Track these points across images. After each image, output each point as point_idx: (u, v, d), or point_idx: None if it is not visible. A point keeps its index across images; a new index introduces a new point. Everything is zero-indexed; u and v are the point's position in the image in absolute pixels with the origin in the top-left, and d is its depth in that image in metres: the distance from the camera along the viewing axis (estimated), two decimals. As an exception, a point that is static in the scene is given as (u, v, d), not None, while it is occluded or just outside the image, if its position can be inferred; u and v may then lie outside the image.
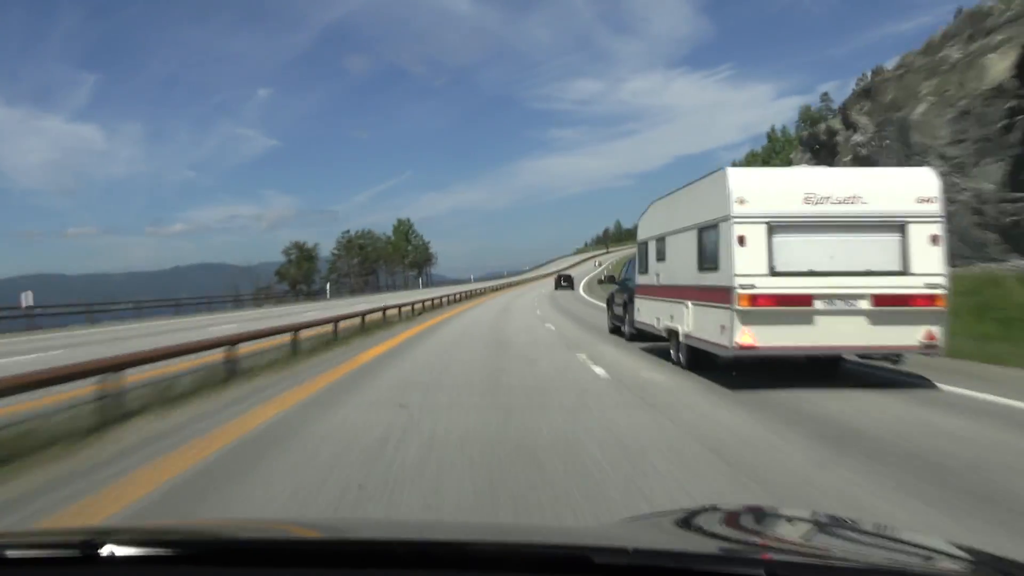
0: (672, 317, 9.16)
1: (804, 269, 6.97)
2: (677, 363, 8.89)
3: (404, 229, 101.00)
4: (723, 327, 7.21)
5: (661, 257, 9.85)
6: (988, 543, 1.55)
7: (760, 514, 2.02)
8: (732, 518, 1.85)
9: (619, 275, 16.30)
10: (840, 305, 6.94)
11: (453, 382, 8.10)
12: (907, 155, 19.06)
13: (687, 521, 1.57)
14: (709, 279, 7.71)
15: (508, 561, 1.15)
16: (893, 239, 7.04)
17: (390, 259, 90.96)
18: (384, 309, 19.69)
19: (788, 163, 39.56)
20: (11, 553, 1.20)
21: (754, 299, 6.91)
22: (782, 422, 5.66)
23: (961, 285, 11.33)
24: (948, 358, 7.81)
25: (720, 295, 7.26)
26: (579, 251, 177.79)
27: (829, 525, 1.77)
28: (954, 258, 9.55)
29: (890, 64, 24.41)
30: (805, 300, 6.90)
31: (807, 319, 6.96)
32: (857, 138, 23.55)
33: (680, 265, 8.85)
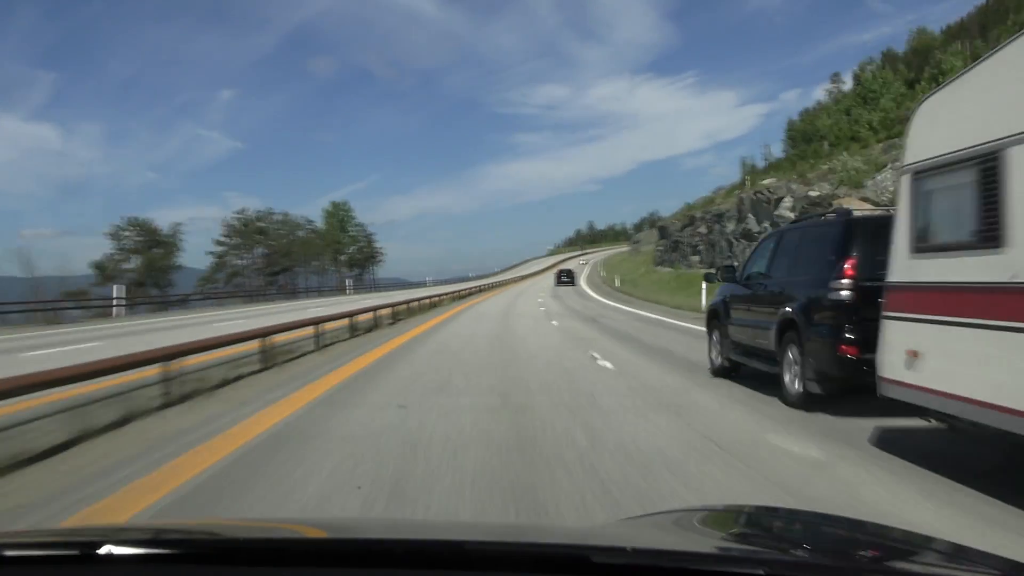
0: None
1: None
2: None
3: (339, 215, 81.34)
4: None
5: None
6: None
7: (760, 514, 2.03)
8: (732, 518, 1.91)
9: (743, 267, 9.09)
10: None
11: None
12: None
13: (687, 520, 1.60)
14: None
15: (507, 561, 1.15)
16: None
17: (317, 253, 74.38)
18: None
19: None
20: (11, 553, 1.21)
21: None
22: None
23: None
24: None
25: None
26: (552, 252, 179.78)
27: (829, 525, 1.81)
28: None
29: None
30: None
31: None
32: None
33: None
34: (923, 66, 33.05)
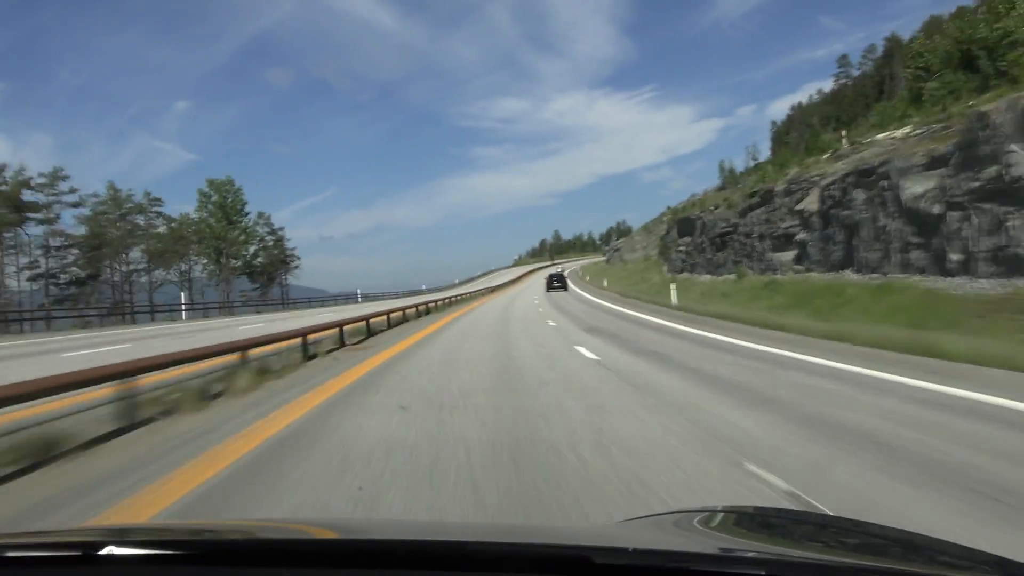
0: None
1: None
2: None
3: (221, 196, 53.59)
4: None
5: None
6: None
7: (761, 514, 2.09)
8: (732, 518, 1.91)
9: None
10: None
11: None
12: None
13: (687, 521, 1.62)
14: None
15: (509, 561, 1.18)
16: None
17: (175, 250, 51.16)
18: None
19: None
20: (11, 553, 1.25)
21: None
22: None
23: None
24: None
25: None
26: (518, 262, 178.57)
27: (830, 525, 1.88)
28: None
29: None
30: None
31: None
32: None
33: None
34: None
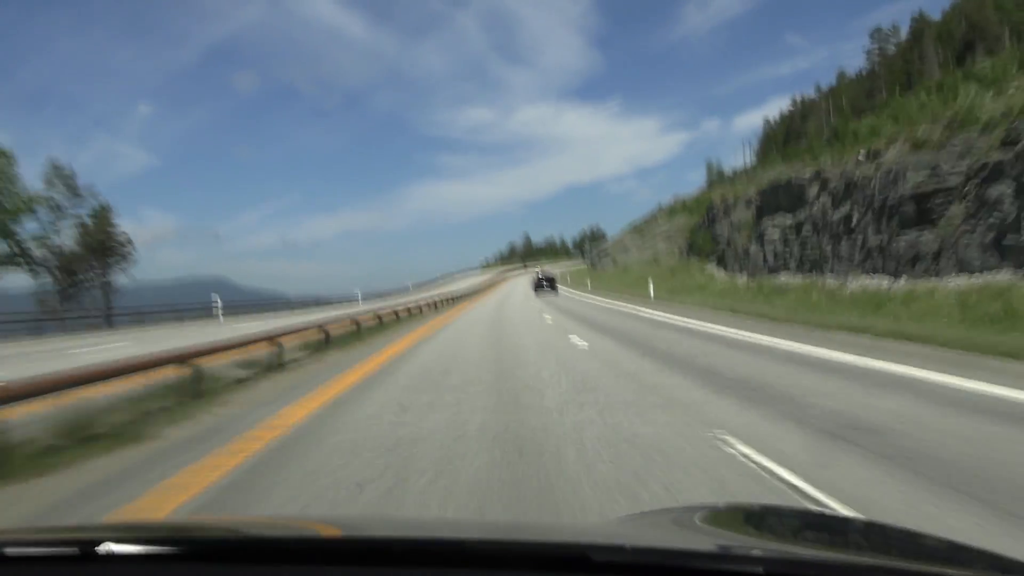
0: None
1: None
2: None
3: None
4: None
5: None
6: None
7: (759, 512, 2.15)
8: (731, 516, 1.96)
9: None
10: None
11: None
12: None
13: (686, 518, 1.68)
14: None
15: (508, 559, 1.19)
16: None
17: None
18: None
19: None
20: (11, 552, 1.25)
21: None
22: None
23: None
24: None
25: None
26: (487, 267, 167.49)
27: (828, 523, 1.98)
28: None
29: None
30: None
31: None
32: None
33: None
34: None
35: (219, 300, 39.88)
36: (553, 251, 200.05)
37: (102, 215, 43.27)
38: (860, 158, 23.02)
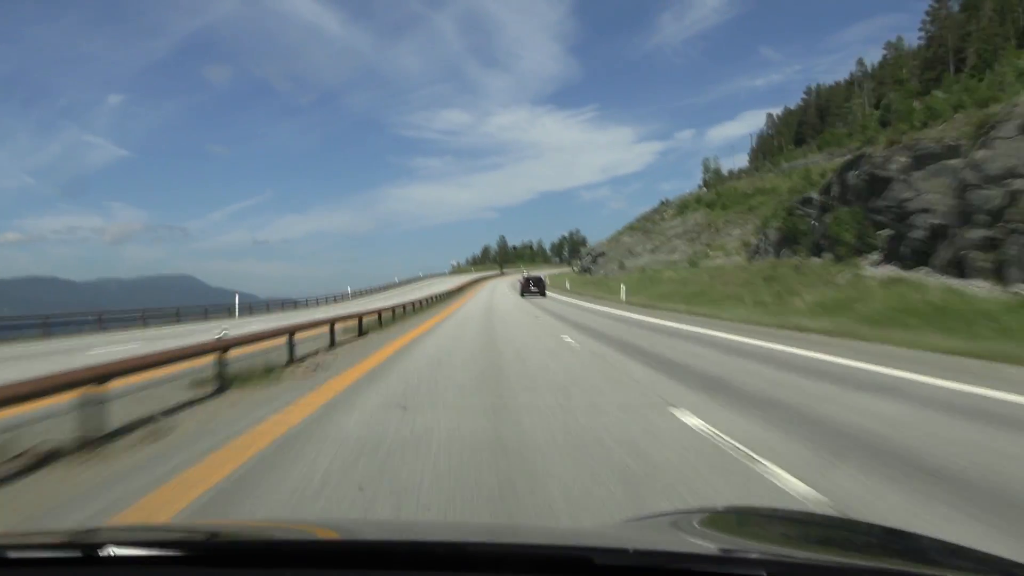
0: None
1: None
2: None
3: None
4: None
5: None
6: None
7: (761, 515, 2.16)
8: (730, 519, 1.98)
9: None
10: None
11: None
12: None
13: (687, 522, 1.67)
14: None
15: (509, 562, 1.19)
16: None
17: None
18: None
19: None
20: (12, 554, 1.25)
21: None
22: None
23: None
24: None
25: None
26: (457, 270, 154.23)
27: (830, 526, 1.96)
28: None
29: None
30: None
31: None
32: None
33: None
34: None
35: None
36: (531, 256, 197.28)
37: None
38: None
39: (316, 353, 13.89)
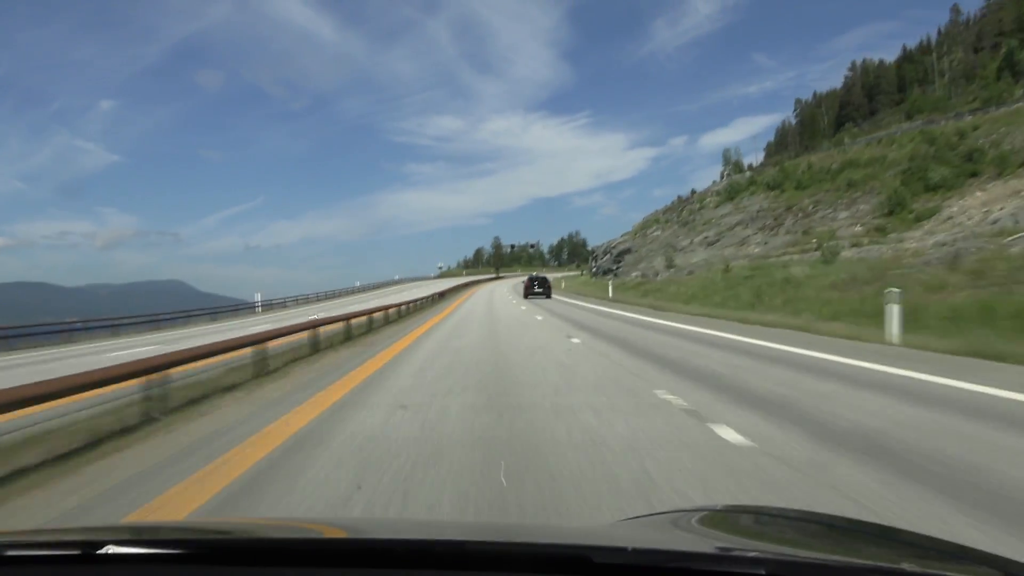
0: None
1: None
2: None
3: None
4: None
5: None
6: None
7: (760, 514, 2.15)
8: (729, 518, 2.01)
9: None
10: None
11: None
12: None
13: (686, 520, 1.68)
14: None
15: (508, 561, 1.20)
16: None
17: None
18: None
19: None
20: (11, 553, 1.25)
21: None
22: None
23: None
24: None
25: None
26: (445, 273, 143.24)
27: (829, 525, 1.91)
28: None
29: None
30: None
31: None
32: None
33: None
34: None
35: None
36: (528, 258, 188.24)
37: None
38: None
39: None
